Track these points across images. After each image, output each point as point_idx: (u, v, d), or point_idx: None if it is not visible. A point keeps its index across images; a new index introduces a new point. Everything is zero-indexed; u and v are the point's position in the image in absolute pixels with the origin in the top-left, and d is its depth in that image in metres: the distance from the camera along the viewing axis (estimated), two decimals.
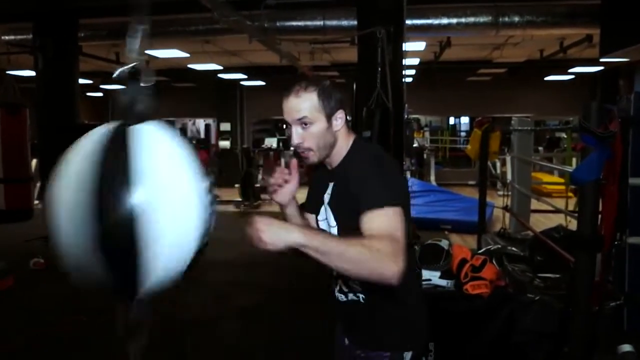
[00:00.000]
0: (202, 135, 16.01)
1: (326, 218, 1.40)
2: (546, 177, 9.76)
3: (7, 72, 5.73)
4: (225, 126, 12.89)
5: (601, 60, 5.65)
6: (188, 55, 8.19)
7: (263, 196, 9.02)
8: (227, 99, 12.86)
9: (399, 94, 4.05)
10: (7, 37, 6.41)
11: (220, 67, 9.74)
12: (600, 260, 2.62)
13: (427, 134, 12.60)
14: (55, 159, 0.96)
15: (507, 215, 5.41)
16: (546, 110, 11.93)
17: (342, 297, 1.43)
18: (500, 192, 7.85)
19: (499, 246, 4.41)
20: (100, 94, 13.06)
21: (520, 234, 5.40)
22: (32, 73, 6.13)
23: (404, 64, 4.21)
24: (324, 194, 1.40)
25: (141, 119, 0.93)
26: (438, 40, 7.62)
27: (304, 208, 1.51)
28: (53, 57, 5.98)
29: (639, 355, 2.51)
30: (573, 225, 3.25)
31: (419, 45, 7.52)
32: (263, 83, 12.12)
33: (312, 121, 1.29)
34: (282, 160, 10.89)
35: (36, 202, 7.56)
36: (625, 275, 3.03)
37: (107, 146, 0.88)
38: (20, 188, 5.25)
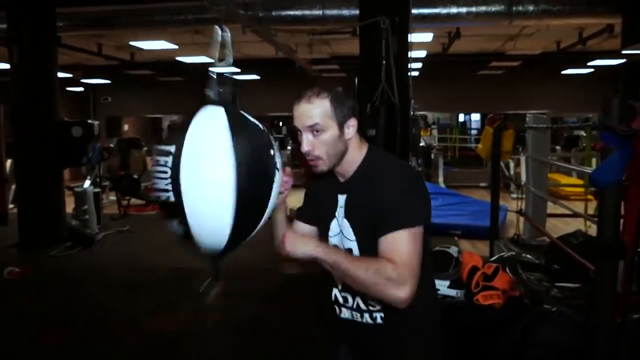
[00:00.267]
0: None
1: (340, 232, 1.42)
2: (564, 179, 9.78)
3: None
4: None
5: (623, 52, 5.66)
6: (176, 46, 8.20)
7: None
8: None
9: (404, 89, 4.05)
10: None
11: (211, 60, 9.74)
12: (622, 268, 2.62)
13: (435, 132, 12.60)
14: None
15: (522, 219, 5.41)
16: (563, 107, 11.94)
17: (353, 316, 1.43)
18: (514, 195, 7.86)
19: (513, 253, 4.41)
20: (81, 89, 13.07)
21: (535, 240, 5.40)
22: (7, 66, 6.11)
23: (409, 56, 4.21)
24: (335, 207, 1.43)
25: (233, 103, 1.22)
26: (446, 30, 7.64)
27: (297, 215, 1.56)
28: (29, 48, 5.96)
29: None
30: (593, 230, 3.25)
31: (426, 37, 7.53)
32: (257, 77, 12.13)
33: (323, 128, 1.34)
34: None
35: (11, 206, 7.58)
36: None
37: (239, 125, 1.20)
38: None
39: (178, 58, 9.59)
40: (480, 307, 2.68)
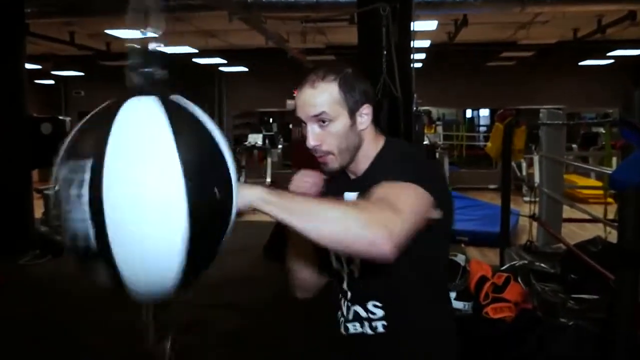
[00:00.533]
0: None
1: None
2: (581, 180, 9.81)
3: None
4: None
5: None
6: (156, 34, 8.19)
7: None
8: (203, 87, 12.84)
9: (406, 82, 4.05)
10: None
11: (195, 50, 9.74)
12: None
13: (439, 130, 12.64)
14: None
15: (535, 225, 5.43)
16: (581, 101, 12.00)
17: (354, 328, 1.36)
18: (527, 198, 7.87)
19: (525, 262, 4.42)
20: (52, 82, 13.03)
21: (550, 247, 5.42)
22: None
23: (412, 46, 4.22)
24: None
25: (165, 91, 0.99)
26: (453, 18, 7.66)
27: None
28: None
29: None
30: (613, 237, 3.26)
31: (430, 25, 7.55)
32: (246, 69, 12.12)
33: (331, 118, 1.25)
34: (269, 160, 10.89)
35: None
36: None
37: (181, 117, 0.94)
38: None
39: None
40: (490, 321, 2.69)
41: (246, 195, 1.01)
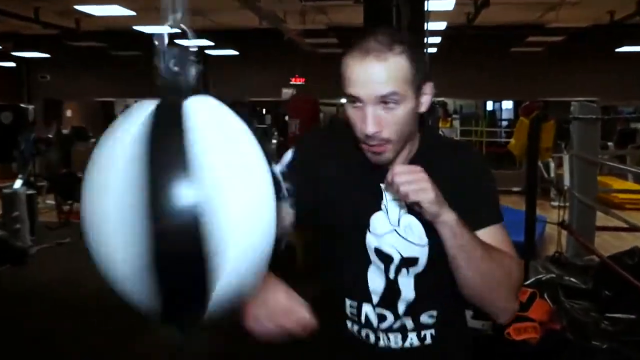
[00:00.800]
0: None
1: (393, 232, 1.30)
2: (617, 183, 9.83)
3: None
4: None
5: None
6: (133, 13, 8.19)
7: None
8: None
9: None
10: None
11: (177, 30, 9.73)
12: None
13: (456, 124, 12.67)
14: None
15: (564, 233, 5.43)
16: (617, 93, 12.02)
17: (387, 339, 1.35)
18: (555, 203, 7.89)
19: (553, 276, 4.42)
20: (12, 64, 13.02)
21: (581, 259, 5.42)
22: None
23: (426, 29, 4.22)
24: (378, 198, 1.31)
25: (189, 92, 0.97)
26: None
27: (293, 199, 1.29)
28: None
29: None
30: None
31: (447, 4, 7.56)
32: (236, 53, 12.13)
33: (400, 100, 1.19)
34: None
35: None
36: None
37: (158, 128, 0.89)
38: None
39: (135, 27, 9.58)
40: (512, 343, 2.69)
41: (438, 205, 1.15)
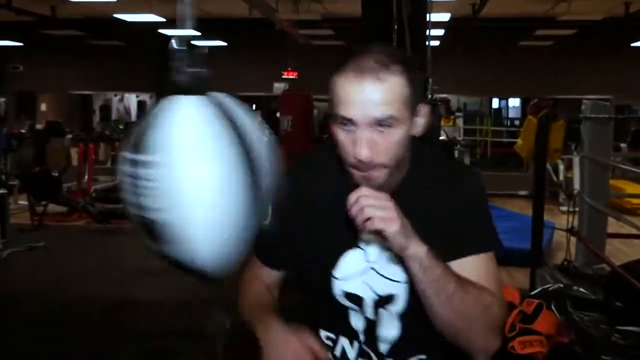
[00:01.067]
0: (133, 118, 15.97)
1: (369, 272, 1.30)
2: (630, 187, 9.87)
3: None
4: None
5: None
6: None
7: None
8: (170, 65, 12.81)
9: (420, 63, 4.07)
10: None
11: (162, 19, 9.72)
12: None
13: (459, 122, 12.69)
14: None
15: (573, 240, 5.45)
16: (632, 91, 12.05)
17: None
18: (564, 208, 7.91)
19: (561, 285, 4.44)
20: None
21: (591, 268, 5.44)
22: None
23: (428, 20, 4.24)
24: (353, 233, 1.27)
25: (204, 89, 1.15)
26: None
27: (261, 254, 1.44)
28: None
29: None
30: None
31: None
32: (224, 44, 12.11)
33: (396, 123, 1.19)
34: None
35: None
36: None
37: (224, 119, 1.08)
38: None
39: (116, 15, 9.56)
40: (517, 357, 2.70)
41: (415, 244, 1.14)
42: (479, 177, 1.36)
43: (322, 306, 1.39)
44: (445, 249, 1.22)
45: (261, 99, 14.07)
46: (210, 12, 9.43)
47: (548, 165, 8.10)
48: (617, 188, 8.99)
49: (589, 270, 5.38)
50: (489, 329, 1.24)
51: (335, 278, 1.32)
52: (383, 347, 1.35)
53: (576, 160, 8.42)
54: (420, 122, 1.26)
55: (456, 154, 11.25)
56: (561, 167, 10.06)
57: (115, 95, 16.42)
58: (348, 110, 1.17)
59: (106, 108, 16.72)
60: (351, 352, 1.37)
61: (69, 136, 10.87)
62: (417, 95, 1.22)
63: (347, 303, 1.34)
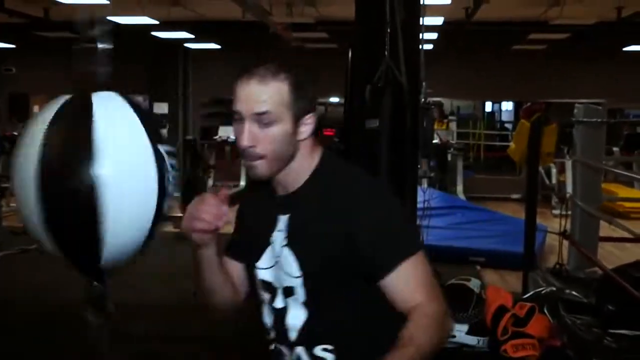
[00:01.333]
0: None
1: (276, 265, 1.47)
2: (623, 191, 9.90)
3: None
4: (161, 107, 12.80)
5: None
6: (106, 1, 8.16)
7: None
8: (165, 68, 12.80)
9: (413, 67, 4.07)
10: None
11: (155, 22, 9.71)
12: None
13: (452, 126, 12.70)
14: None
15: (566, 244, 5.46)
16: (624, 95, 12.10)
17: None
18: (557, 211, 7.93)
19: (554, 289, 4.44)
20: None
21: (584, 271, 5.46)
22: None
23: (422, 24, 4.24)
24: (271, 231, 1.48)
25: (101, 86, 1.28)
26: None
27: (227, 249, 1.61)
28: None
29: None
30: None
31: None
32: (217, 46, 12.11)
33: (275, 119, 1.38)
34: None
35: None
36: None
37: (65, 114, 1.31)
38: None
39: (110, 18, 9.54)
40: None
41: None
42: (383, 195, 1.49)
43: (257, 301, 1.57)
44: (367, 264, 1.38)
45: None
46: (204, 15, 9.43)
47: (541, 169, 8.11)
48: (609, 192, 9.02)
49: (581, 273, 5.39)
50: (439, 332, 1.36)
51: (258, 269, 1.51)
52: (292, 335, 1.48)
53: (568, 163, 8.45)
54: (307, 129, 1.43)
55: (449, 157, 11.28)
56: (554, 170, 10.09)
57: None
58: (236, 104, 1.40)
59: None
60: (280, 357, 1.53)
61: None
62: (301, 104, 1.40)
63: (264, 294, 1.52)
